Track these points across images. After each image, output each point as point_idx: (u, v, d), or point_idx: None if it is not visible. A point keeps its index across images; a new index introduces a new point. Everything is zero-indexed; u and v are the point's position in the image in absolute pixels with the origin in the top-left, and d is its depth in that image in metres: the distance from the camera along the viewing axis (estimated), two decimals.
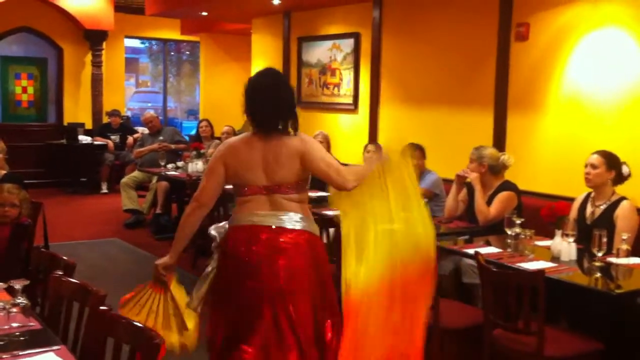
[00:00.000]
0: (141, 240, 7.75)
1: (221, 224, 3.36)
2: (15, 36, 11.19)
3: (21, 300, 2.60)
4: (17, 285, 2.61)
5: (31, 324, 2.59)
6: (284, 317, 2.98)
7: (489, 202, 4.77)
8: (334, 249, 4.82)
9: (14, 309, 2.59)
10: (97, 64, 11.57)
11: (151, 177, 8.41)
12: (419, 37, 6.86)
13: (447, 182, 5.43)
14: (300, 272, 3.05)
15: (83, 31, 11.39)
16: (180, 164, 8.08)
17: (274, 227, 3.07)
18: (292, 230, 3.08)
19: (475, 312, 4.02)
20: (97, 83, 11.59)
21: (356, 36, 7.55)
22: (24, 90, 11.42)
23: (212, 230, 3.32)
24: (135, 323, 2.32)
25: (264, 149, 3.14)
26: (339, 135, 7.66)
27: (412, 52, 6.95)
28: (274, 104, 3.20)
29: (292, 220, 3.11)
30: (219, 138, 8.52)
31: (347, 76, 7.69)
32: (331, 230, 4.94)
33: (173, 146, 8.76)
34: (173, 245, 3.26)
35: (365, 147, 6.38)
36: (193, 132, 15.37)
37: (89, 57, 11.62)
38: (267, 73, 3.37)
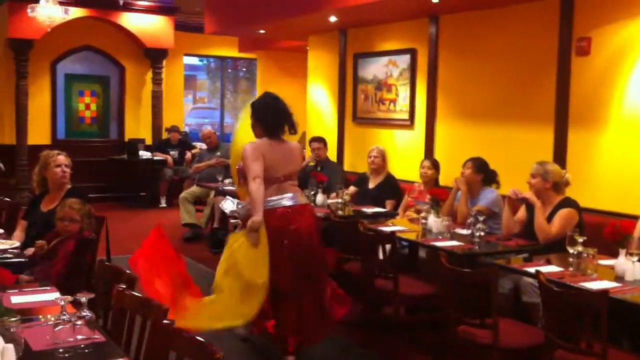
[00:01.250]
0: (199, 254, 7.86)
1: (235, 201, 4.97)
2: (79, 55, 11.58)
3: (86, 313, 2.66)
4: (83, 298, 2.67)
5: (96, 336, 2.65)
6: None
7: (548, 220, 4.68)
8: (390, 263, 4.81)
9: (79, 322, 2.66)
10: (157, 82, 11.86)
11: (209, 192, 8.54)
12: (477, 51, 6.81)
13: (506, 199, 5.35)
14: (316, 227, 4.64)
15: (144, 50, 11.70)
16: None
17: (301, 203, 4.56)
18: (307, 203, 4.72)
19: (535, 332, 3.93)
20: (157, 100, 11.87)
21: (412, 52, 7.53)
22: (87, 107, 11.78)
23: (229, 207, 5.12)
24: (197, 337, 2.35)
25: (281, 151, 4.52)
26: (395, 151, 7.64)
27: (469, 67, 6.89)
28: (281, 117, 4.61)
29: (302, 196, 4.64)
30: None
31: (403, 92, 7.68)
32: (387, 246, 4.91)
33: (229, 161, 8.87)
34: (257, 208, 4.28)
35: (422, 163, 6.35)
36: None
37: (149, 75, 11.92)
38: (271, 95, 4.79)
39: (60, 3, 8.50)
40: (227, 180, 8.05)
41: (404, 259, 5.28)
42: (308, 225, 4.52)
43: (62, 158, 4.86)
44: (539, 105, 6.09)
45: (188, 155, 11.14)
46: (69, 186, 4.91)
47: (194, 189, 8.83)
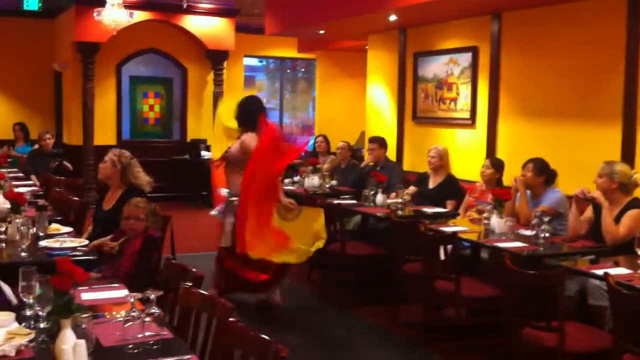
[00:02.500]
0: None
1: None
2: (143, 57, 11.85)
3: (155, 309, 2.73)
4: (152, 295, 2.74)
5: (164, 333, 2.71)
6: None
7: (616, 221, 4.55)
8: (450, 264, 4.76)
9: (148, 318, 2.73)
10: (218, 83, 12.04)
11: None
12: (540, 49, 6.67)
13: (572, 199, 5.23)
14: None
15: (206, 51, 11.89)
16: (296, 178, 8.23)
17: None
18: None
19: (602, 336, 3.84)
20: (218, 101, 12.01)
21: (474, 50, 7.43)
22: (151, 108, 12.06)
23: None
24: (262, 336, 2.38)
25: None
26: (456, 151, 7.55)
27: (533, 65, 6.76)
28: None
29: None
30: (334, 153, 8.61)
31: (464, 90, 7.58)
32: (449, 247, 4.87)
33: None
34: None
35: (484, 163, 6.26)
36: (307, 147, 15.66)
37: (210, 76, 12.11)
38: (250, 96, 5.82)
39: (126, 7, 8.72)
40: (286, 180, 8.11)
41: (465, 260, 5.21)
42: None
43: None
44: (606, 103, 5.93)
45: None
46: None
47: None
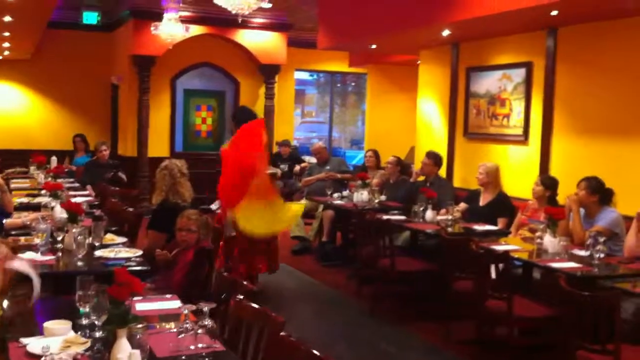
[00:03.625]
0: (308, 266, 7.97)
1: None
2: (197, 71, 12.06)
3: (208, 322, 2.76)
4: (205, 307, 2.77)
5: (216, 345, 2.74)
6: None
7: None
8: (501, 283, 4.68)
9: (201, 330, 2.76)
10: (269, 96, 12.16)
11: (318, 206, 8.64)
12: (598, 64, 6.55)
13: (628, 219, 5.10)
14: None
15: (258, 65, 12.03)
16: (345, 193, 8.24)
17: None
18: None
19: None
20: (269, 114, 12.15)
21: (528, 65, 7.34)
22: (204, 121, 12.25)
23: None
24: (314, 351, 2.38)
25: None
26: (508, 168, 7.45)
27: (589, 81, 6.64)
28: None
29: None
30: (384, 168, 8.60)
31: (518, 107, 7.49)
32: (500, 265, 4.80)
33: (339, 176, 8.96)
34: None
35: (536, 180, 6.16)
36: (355, 161, 15.68)
37: (262, 90, 12.24)
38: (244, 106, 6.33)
39: (182, 21, 8.89)
40: (335, 194, 8.13)
41: (517, 279, 5.13)
42: None
43: None
44: None
45: (296, 167, 11.33)
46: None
47: (304, 202, 8.96)
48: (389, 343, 5.40)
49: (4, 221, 5.04)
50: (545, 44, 7.08)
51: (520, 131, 7.45)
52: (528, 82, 7.34)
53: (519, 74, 7.47)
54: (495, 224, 6.39)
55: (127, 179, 9.71)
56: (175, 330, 2.86)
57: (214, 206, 6.47)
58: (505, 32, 7.51)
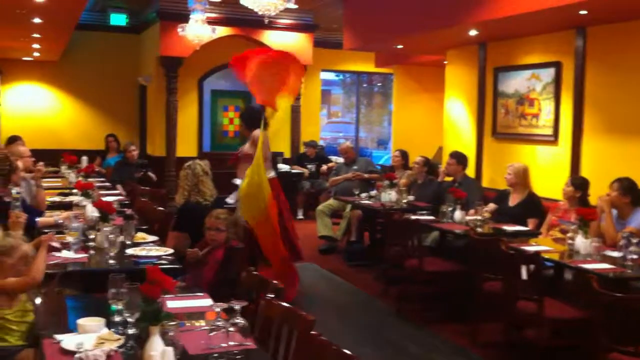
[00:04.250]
0: (335, 266, 7.97)
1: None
2: (223, 71, 12.12)
3: (239, 320, 2.78)
4: (237, 305, 2.79)
5: (247, 343, 2.76)
6: None
7: None
8: (532, 284, 4.64)
9: (232, 328, 2.78)
10: (296, 97, 12.16)
11: (345, 205, 8.65)
12: (627, 64, 6.46)
13: None
14: None
15: None
16: (373, 193, 8.23)
17: None
18: None
19: None
20: (295, 115, 12.19)
21: (557, 65, 7.26)
22: (231, 121, 12.33)
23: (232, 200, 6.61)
24: (344, 351, 2.38)
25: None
26: (537, 168, 7.38)
27: (619, 80, 6.55)
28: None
29: None
30: (411, 168, 8.57)
31: (547, 106, 7.42)
32: (531, 266, 4.75)
33: (366, 175, 8.96)
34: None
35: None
36: (381, 161, 15.66)
37: None
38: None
39: (209, 23, 8.95)
40: (363, 194, 8.12)
41: (547, 281, 5.08)
42: None
43: None
44: None
45: (323, 167, 11.35)
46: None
47: (331, 202, 8.97)
48: (415, 344, 5.38)
49: (37, 219, 5.12)
50: (574, 43, 7.00)
51: (550, 131, 7.37)
52: (557, 81, 7.27)
53: (548, 74, 7.40)
54: (524, 224, 6.33)
55: (156, 178, 9.82)
56: (206, 327, 2.88)
57: (230, 200, 6.54)
58: (534, 31, 7.45)
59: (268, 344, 3.07)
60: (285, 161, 11.89)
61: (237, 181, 6.59)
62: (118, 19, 12.43)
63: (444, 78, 9.45)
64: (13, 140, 8.84)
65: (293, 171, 11.45)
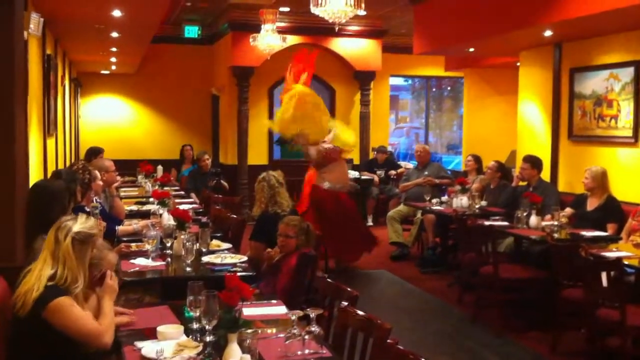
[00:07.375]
0: (407, 273, 7.90)
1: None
2: None
3: (315, 328, 2.79)
4: (312, 314, 2.80)
5: (323, 351, 2.76)
6: None
7: None
8: (614, 291, 4.48)
9: (308, 336, 2.79)
10: (365, 103, 12.18)
11: (416, 211, 8.57)
12: None
13: None
14: None
15: (353, 72, 12.08)
16: (444, 198, 8.12)
17: None
18: None
19: None
20: (364, 121, 12.18)
21: (637, 64, 7.00)
22: None
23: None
24: (422, 359, 2.36)
25: None
26: (617, 171, 7.13)
27: None
28: None
29: None
30: (485, 173, 8.41)
31: (626, 107, 7.15)
32: (612, 273, 4.59)
33: (437, 181, 8.85)
34: None
35: None
36: (451, 166, 15.46)
37: (357, 97, 12.28)
38: None
39: (279, 32, 9.05)
40: (434, 200, 8.03)
41: (629, 288, 4.89)
42: None
43: None
44: None
45: (391, 172, 11.30)
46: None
47: (401, 207, 8.90)
48: (492, 352, 5.27)
49: (117, 228, 5.29)
50: None
51: (629, 133, 7.11)
52: (637, 81, 7.00)
53: (627, 74, 7.14)
54: (603, 229, 6.12)
55: (228, 186, 9.98)
56: (282, 335, 2.90)
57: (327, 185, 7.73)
58: (611, 30, 7.21)
59: (343, 352, 3.06)
60: (355, 167, 11.88)
61: (326, 184, 7.58)
62: (191, 31, 12.73)
63: (517, 80, 9.24)
64: (96, 152, 9.15)
65: (363, 177, 11.42)
